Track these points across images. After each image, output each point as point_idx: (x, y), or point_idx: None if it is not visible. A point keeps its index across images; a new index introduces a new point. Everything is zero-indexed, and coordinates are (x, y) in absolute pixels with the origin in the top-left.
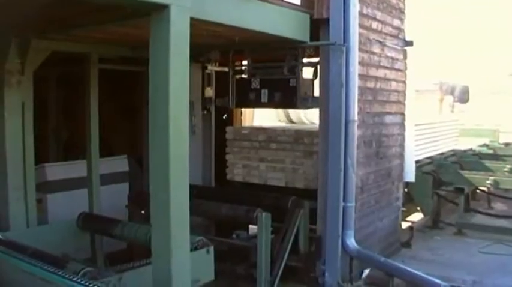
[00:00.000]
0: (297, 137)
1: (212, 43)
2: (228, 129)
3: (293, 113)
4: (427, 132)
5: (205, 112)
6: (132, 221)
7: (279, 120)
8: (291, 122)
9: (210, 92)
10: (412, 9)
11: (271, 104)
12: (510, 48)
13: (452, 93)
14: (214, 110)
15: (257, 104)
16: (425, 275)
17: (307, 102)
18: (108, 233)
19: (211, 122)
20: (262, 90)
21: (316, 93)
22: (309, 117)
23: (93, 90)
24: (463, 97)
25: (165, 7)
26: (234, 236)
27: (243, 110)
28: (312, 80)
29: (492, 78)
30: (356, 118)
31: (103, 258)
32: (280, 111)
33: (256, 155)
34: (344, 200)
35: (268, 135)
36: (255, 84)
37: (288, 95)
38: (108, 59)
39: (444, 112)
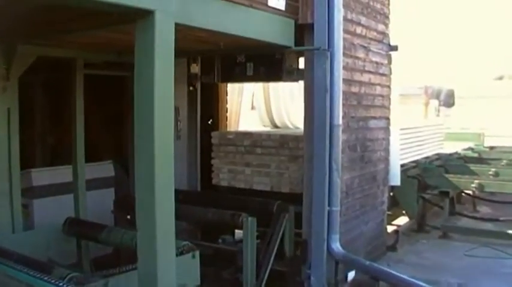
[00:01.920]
0: (282, 141)
1: (197, 48)
2: (214, 134)
3: (277, 117)
4: (412, 137)
5: (191, 88)
6: (118, 227)
7: (264, 125)
8: (276, 126)
9: (195, 68)
10: (397, 14)
11: (257, 77)
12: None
13: (437, 97)
14: (200, 113)
15: (243, 78)
16: (411, 279)
17: (293, 75)
18: (94, 239)
19: (196, 127)
20: (248, 64)
21: (302, 65)
22: (294, 122)
23: (79, 95)
24: (449, 101)
25: (149, 13)
26: (219, 240)
27: (228, 115)
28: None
29: (478, 81)
30: (341, 123)
31: (89, 263)
32: (264, 116)
33: (241, 159)
34: (329, 204)
35: (254, 140)
36: (241, 58)
37: (273, 68)
38: (94, 64)
39: (429, 116)
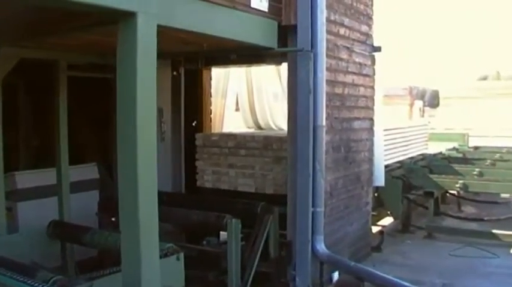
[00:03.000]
0: (266, 143)
1: (180, 49)
2: (198, 136)
3: (261, 119)
4: (396, 137)
5: (175, 73)
6: (102, 229)
7: (248, 127)
8: (260, 128)
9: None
10: (381, 15)
11: (240, 61)
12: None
13: (422, 97)
14: (184, 115)
15: (226, 61)
16: (396, 279)
17: (276, 57)
18: (78, 241)
19: (180, 129)
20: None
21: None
22: (278, 123)
23: (62, 97)
24: (433, 101)
25: (131, 15)
26: (204, 242)
27: (212, 117)
28: None
29: (462, 82)
30: (324, 124)
31: (73, 266)
32: (248, 117)
33: (225, 161)
34: (313, 205)
35: (238, 141)
36: None
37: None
38: (78, 66)
39: (414, 117)
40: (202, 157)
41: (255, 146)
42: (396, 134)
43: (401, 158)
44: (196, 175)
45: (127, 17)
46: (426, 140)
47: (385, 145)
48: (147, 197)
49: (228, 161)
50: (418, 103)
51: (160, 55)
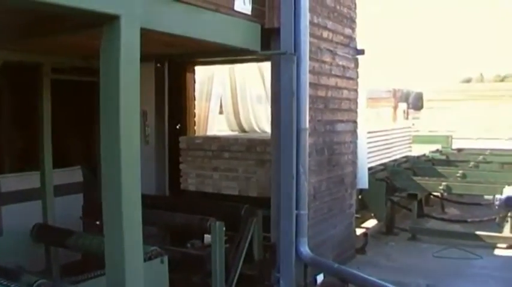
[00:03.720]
0: (250, 145)
1: (164, 52)
2: (181, 139)
3: (245, 122)
4: (380, 139)
5: (158, 65)
6: (86, 232)
7: (232, 130)
8: (244, 131)
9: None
10: (365, 18)
11: (225, 60)
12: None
13: (406, 100)
14: (168, 118)
15: (210, 62)
16: (380, 281)
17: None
18: (62, 245)
19: (164, 132)
20: None
21: None
22: (261, 126)
23: (46, 100)
24: (417, 104)
25: (115, 18)
26: (188, 245)
27: (196, 120)
28: None
29: (446, 84)
30: (307, 126)
31: (58, 270)
32: (232, 120)
33: (209, 164)
34: (297, 207)
35: (221, 144)
36: None
37: None
38: (62, 69)
39: (398, 119)
40: (186, 160)
41: (239, 149)
42: (380, 137)
43: (385, 161)
44: (180, 178)
45: (111, 20)
46: (410, 143)
47: (369, 148)
48: (131, 200)
49: (212, 164)
50: (402, 105)
51: (144, 58)
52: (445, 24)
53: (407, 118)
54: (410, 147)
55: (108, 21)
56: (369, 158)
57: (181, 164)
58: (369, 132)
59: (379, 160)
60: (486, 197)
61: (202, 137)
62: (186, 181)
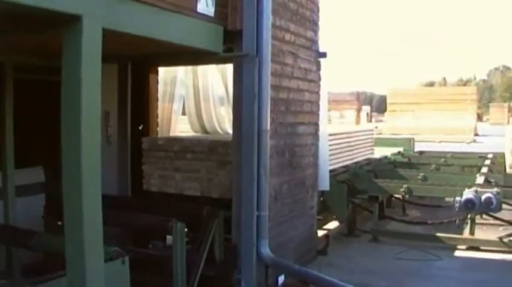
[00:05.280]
0: (212, 147)
1: (126, 53)
2: (144, 139)
3: (208, 123)
4: (342, 142)
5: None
6: (48, 233)
7: (195, 131)
8: (206, 132)
9: None
10: (329, 21)
11: (188, 61)
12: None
13: (370, 103)
14: (131, 119)
15: (173, 63)
16: (341, 282)
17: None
18: (23, 245)
19: (127, 133)
20: None
21: None
22: (224, 128)
23: (9, 100)
24: (381, 107)
25: (77, 18)
26: (150, 246)
27: (159, 121)
28: None
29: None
30: (269, 128)
31: (19, 270)
32: (195, 122)
33: (172, 165)
34: (258, 209)
35: (184, 145)
36: None
37: None
38: (26, 68)
39: (362, 122)
40: (149, 161)
41: (201, 150)
42: (342, 139)
43: (348, 163)
44: (143, 179)
45: (72, 20)
46: (372, 145)
47: (331, 150)
48: (91, 200)
49: (174, 165)
50: (366, 108)
51: (107, 59)
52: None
53: (370, 121)
54: (372, 149)
55: (69, 21)
56: (331, 160)
57: (143, 165)
58: (331, 135)
59: (341, 162)
60: (447, 199)
61: (165, 138)
62: (148, 182)
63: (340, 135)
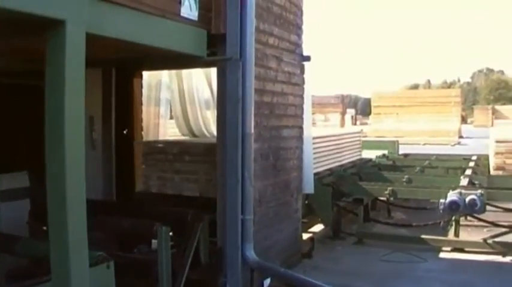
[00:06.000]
0: (209, 149)
1: (110, 57)
2: (144, 142)
3: (195, 126)
4: (327, 145)
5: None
6: (33, 238)
7: (183, 134)
8: (194, 135)
9: None
10: (314, 24)
11: (173, 65)
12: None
13: (355, 106)
14: (115, 123)
15: (158, 67)
16: (326, 285)
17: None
18: (8, 251)
19: (111, 137)
20: None
21: None
22: (211, 131)
23: None
24: (365, 110)
25: (60, 23)
26: (135, 250)
27: (144, 125)
28: None
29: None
30: (253, 132)
31: (4, 275)
32: (182, 125)
33: (170, 167)
34: (242, 212)
35: (182, 148)
36: None
37: None
38: (9, 72)
39: (347, 124)
40: (148, 163)
41: (199, 152)
42: (332, 141)
43: (338, 164)
44: (142, 181)
45: (55, 25)
46: (360, 147)
47: (317, 153)
48: (76, 205)
49: (173, 167)
50: (351, 111)
51: (91, 63)
52: (394, 31)
53: (355, 124)
54: (360, 151)
55: (53, 26)
56: (317, 163)
57: (143, 167)
58: (315, 138)
59: (331, 163)
60: (431, 201)
61: (164, 141)
62: (147, 183)
63: (330, 137)
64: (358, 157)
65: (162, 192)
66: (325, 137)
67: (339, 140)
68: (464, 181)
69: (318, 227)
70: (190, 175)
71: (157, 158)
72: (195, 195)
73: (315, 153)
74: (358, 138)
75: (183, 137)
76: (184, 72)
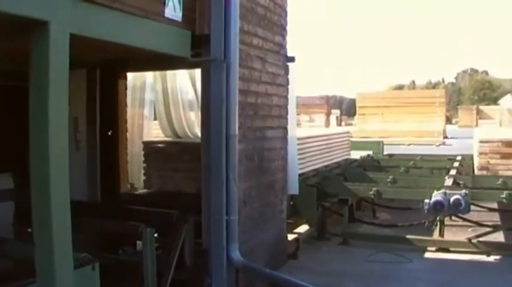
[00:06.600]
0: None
1: (95, 58)
2: (144, 143)
3: (178, 128)
4: (312, 145)
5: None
6: (17, 240)
7: (166, 136)
8: (178, 136)
9: None
10: (298, 25)
11: (157, 66)
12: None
13: (339, 106)
14: (100, 126)
15: (142, 68)
16: (311, 286)
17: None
18: None
19: (96, 138)
20: None
21: None
22: (194, 132)
23: None
24: (350, 110)
25: (44, 23)
26: (120, 252)
27: (129, 126)
28: None
29: (378, 91)
30: (237, 133)
31: None
32: (166, 126)
33: (170, 166)
34: (227, 213)
35: (181, 148)
36: None
37: None
38: None
39: (331, 125)
40: (149, 163)
41: (196, 151)
42: (313, 143)
43: (328, 163)
44: (144, 179)
45: (39, 26)
46: (349, 147)
47: (300, 154)
48: (60, 206)
49: (172, 165)
50: (336, 112)
51: (75, 64)
52: (378, 31)
53: (340, 124)
54: (349, 152)
55: (36, 27)
56: (302, 163)
57: (144, 166)
58: (299, 139)
59: (321, 163)
60: (416, 201)
61: (164, 141)
62: (149, 181)
63: (310, 139)
64: (347, 157)
65: (151, 191)
66: (316, 137)
67: (329, 140)
68: (448, 181)
69: (303, 228)
70: (188, 173)
71: (158, 157)
72: (192, 192)
73: (307, 153)
74: (347, 139)
75: (166, 139)
76: (169, 73)
